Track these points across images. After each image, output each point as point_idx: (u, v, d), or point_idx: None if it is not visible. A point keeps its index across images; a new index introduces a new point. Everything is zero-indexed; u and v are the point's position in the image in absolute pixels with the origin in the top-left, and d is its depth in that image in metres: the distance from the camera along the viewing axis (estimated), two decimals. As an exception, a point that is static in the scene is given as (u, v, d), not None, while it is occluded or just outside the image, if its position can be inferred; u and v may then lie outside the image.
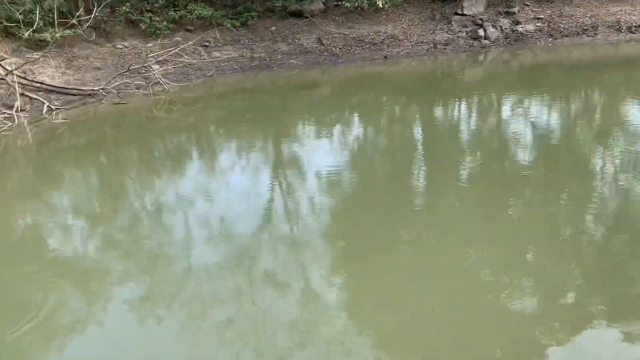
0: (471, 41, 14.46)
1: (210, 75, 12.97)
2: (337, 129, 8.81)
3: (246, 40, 15.25)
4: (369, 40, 14.81)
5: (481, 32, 14.48)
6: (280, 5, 16.24)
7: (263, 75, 13.47)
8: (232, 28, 15.46)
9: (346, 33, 15.21)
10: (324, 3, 16.27)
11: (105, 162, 7.89)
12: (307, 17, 15.76)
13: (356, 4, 15.17)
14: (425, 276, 4.14)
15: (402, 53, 14.13)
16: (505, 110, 9.29)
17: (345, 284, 4.19)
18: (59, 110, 10.22)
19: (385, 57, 13.92)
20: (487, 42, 14.36)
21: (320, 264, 4.47)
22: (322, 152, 7.57)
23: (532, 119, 8.38)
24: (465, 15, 15.06)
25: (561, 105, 9.43)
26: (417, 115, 9.46)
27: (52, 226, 5.72)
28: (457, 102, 10.09)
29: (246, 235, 5.02)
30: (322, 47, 14.66)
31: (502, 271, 4.14)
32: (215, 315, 3.83)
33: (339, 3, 16.00)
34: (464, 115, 9.18)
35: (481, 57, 13.83)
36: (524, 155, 6.81)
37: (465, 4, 15.16)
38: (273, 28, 15.89)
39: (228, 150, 8.23)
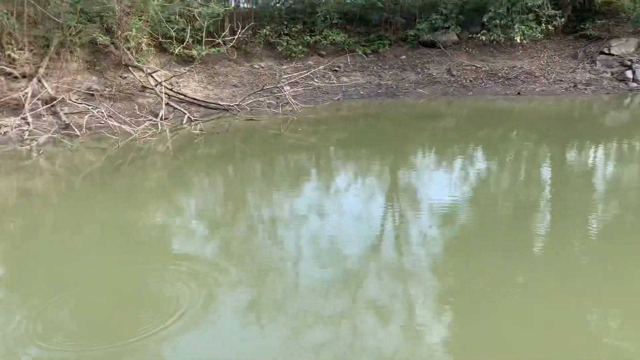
0: (616, 83, 13.39)
1: (337, 99, 13.31)
2: (458, 162, 8.56)
3: (375, 68, 15.47)
4: (502, 74, 14.32)
5: (629, 74, 13.35)
6: (413, 34, 16.32)
7: (388, 103, 13.54)
8: (362, 55, 15.79)
9: (478, 65, 14.84)
10: (457, 35, 16.06)
11: (231, 173, 8.36)
12: (439, 48, 15.65)
13: (492, 38, 14.78)
14: (535, 327, 3.84)
15: (537, 90, 13.45)
16: (651, 160, 8.44)
17: (449, 323, 3.99)
18: (198, 122, 11.06)
19: (519, 93, 13.34)
20: (635, 84, 13.20)
21: (426, 298, 4.30)
22: (440, 184, 7.37)
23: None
24: (613, 55, 14.02)
25: None
26: (547, 156, 8.90)
27: (176, 227, 6.15)
28: (594, 146, 9.36)
29: (354, 259, 5.00)
30: (452, 78, 14.43)
31: (624, 336, 3.72)
32: (314, 333, 3.84)
33: (474, 36, 15.70)
34: (600, 161, 8.48)
35: (627, 100, 12.73)
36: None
37: (613, 44, 14.13)
38: (403, 57, 15.97)
39: (345, 173, 8.33)
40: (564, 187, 7.28)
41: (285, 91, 12.49)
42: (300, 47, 15.58)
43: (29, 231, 6.10)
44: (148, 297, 4.52)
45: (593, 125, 11.12)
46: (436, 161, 8.79)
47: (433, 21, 15.95)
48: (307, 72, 13.90)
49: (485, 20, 14.97)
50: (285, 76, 14.16)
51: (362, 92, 14.01)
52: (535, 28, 14.39)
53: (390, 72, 15.08)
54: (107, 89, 11.90)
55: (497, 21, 14.60)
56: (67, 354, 3.77)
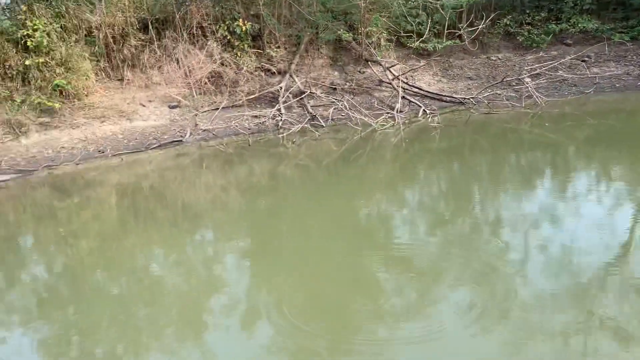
0: None
1: (588, 92, 11.98)
2: None
3: (635, 57, 13.51)
4: None
5: None
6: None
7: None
8: (618, 42, 13.92)
9: None
10: None
11: (459, 169, 8.12)
12: None
13: None
14: None
15: None
16: None
17: None
18: (434, 114, 11.01)
19: None
20: None
21: None
22: None
23: None
24: None
25: None
26: None
27: (396, 218, 6.16)
28: None
29: (588, 271, 4.43)
30: None
31: None
32: (537, 346, 3.53)
33: None
34: None
35: None
36: None
37: None
38: (672, 44, 13.64)
39: (586, 176, 7.44)
40: None
41: (526, 83, 11.67)
42: (542, 36, 14.39)
43: (273, 209, 6.67)
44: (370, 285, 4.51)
45: None
46: None
47: None
48: (552, 63, 12.78)
49: None
50: (527, 68, 13.25)
51: (617, 85, 12.37)
52: None
53: (655, 62, 13.01)
54: (347, 84, 12.57)
55: None
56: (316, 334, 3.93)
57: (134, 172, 8.49)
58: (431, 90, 12.42)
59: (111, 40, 10.67)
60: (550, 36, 14.41)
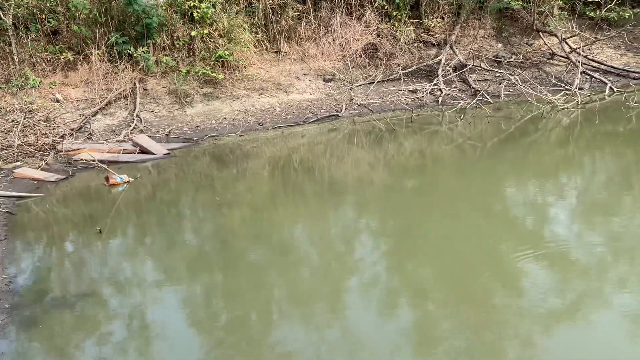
0: None
1: None
2: None
3: None
4: None
5: None
6: None
7: None
8: None
9: None
10: None
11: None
12: None
13: None
14: None
15: None
16: None
17: None
18: (629, 93, 9.53)
19: None
20: None
21: None
22: None
23: None
24: None
25: None
26: None
27: (557, 210, 5.50)
28: None
29: None
30: None
31: None
32: None
33: None
34: None
35: None
36: None
37: None
38: None
39: None
40: None
41: None
42: None
43: (424, 190, 6.25)
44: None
45: None
46: None
47: None
48: None
49: None
50: None
51: None
52: None
53: None
54: (513, 57, 11.37)
55: None
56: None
57: (289, 145, 8.29)
58: (615, 65, 10.81)
59: (270, 11, 10.54)
60: None
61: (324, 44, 10.84)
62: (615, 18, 11.77)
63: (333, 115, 9.38)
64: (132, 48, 9.05)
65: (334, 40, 10.94)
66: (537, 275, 4.17)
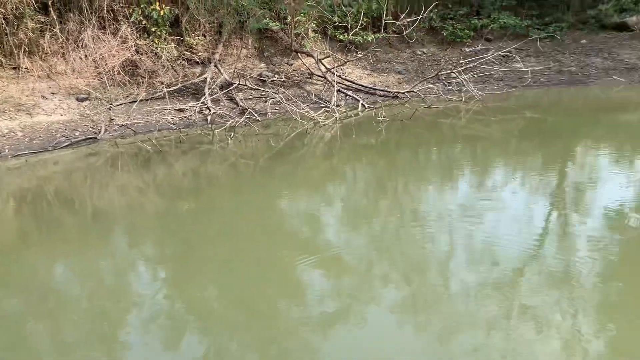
0: None
1: (515, 87, 12.09)
2: (628, 161, 7.26)
3: (552, 53, 13.95)
4: None
5: None
6: (594, 16, 14.54)
7: (569, 92, 12.08)
8: (536, 39, 14.32)
9: (684, 50, 12.79)
10: (651, 15, 14.01)
11: (405, 164, 7.73)
12: (631, 30, 13.75)
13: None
14: None
15: None
16: None
17: (611, 337, 3.52)
18: (377, 108, 10.52)
19: None
20: None
21: (587, 309, 3.80)
22: (612, 187, 6.22)
23: None
24: None
25: None
26: None
27: (332, 218, 5.78)
28: None
29: (509, 262, 4.43)
30: (651, 65, 12.56)
31: None
32: (464, 338, 3.53)
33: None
34: None
35: None
36: None
37: None
38: (583, 41, 14.27)
39: (503, 168, 7.38)
40: None
41: (461, 77, 11.53)
42: (466, 31, 14.48)
43: (199, 213, 5.96)
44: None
45: None
46: (608, 160, 7.53)
47: (621, 1, 14.06)
48: (476, 58, 12.79)
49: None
50: (450, 63, 13.20)
51: (542, 79, 12.64)
52: None
53: (572, 58, 13.49)
54: (276, 76, 11.75)
55: None
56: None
57: (39, 175, 7.12)
58: (364, 84, 11.94)
59: (2, 21, 9.03)
60: (472, 31, 14.54)
61: (75, 60, 9.71)
62: (361, 41, 13.07)
63: (91, 138, 8.39)
64: None
65: (86, 56, 9.88)
66: (316, 281, 4.34)
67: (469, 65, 12.31)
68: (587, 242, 4.81)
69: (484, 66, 12.63)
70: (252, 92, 10.92)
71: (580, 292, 4.00)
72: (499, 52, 13.06)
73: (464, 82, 11.34)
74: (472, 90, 11.10)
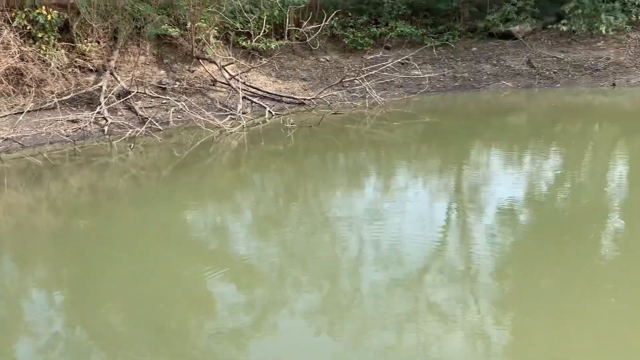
0: None
1: (414, 93, 12.58)
2: (517, 160, 7.86)
3: (446, 60, 14.69)
4: (588, 65, 13.42)
5: None
6: (483, 26, 15.52)
7: (463, 96, 12.78)
8: (431, 47, 15.02)
9: (559, 57, 13.96)
10: (531, 26, 15.18)
11: (317, 170, 7.78)
12: (513, 39, 14.80)
13: (573, 28, 13.86)
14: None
15: (633, 81, 12.54)
16: None
17: (513, 327, 3.71)
18: (285, 115, 10.48)
19: (614, 84, 12.46)
20: None
21: (489, 302, 3.99)
22: (504, 184, 6.71)
23: None
24: None
25: None
26: (617, 152, 8.12)
27: (241, 228, 5.69)
28: None
29: (415, 262, 4.60)
30: (533, 70, 13.58)
31: None
32: (376, 338, 3.57)
33: (550, 26, 14.81)
34: None
35: None
36: None
37: None
38: (474, 48, 15.16)
39: (406, 171, 7.71)
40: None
41: (364, 84, 11.80)
42: (366, 39, 14.88)
43: (98, 230, 5.59)
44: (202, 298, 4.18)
45: None
46: (496, 159, 8.13)
47: (506, 12, 15.11)
48: (377, 66, 13.18)
49: (566, 10, 14.04)
50: (353, 70, 13.51)
51: (438, 85, 13.25)
52: (623, 19, 13.45)
53: (464, 65, 14.28)
54: (177, 83, 11.38)
55: (580, 11, 13.68)
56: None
57: None
58: (270, 91, 11.88)
59: None
60: (372, 39, 14.97)
61: (-52, 68, 8.80)
62: (264, 48, 13.01)
63: (-30, 153, 7.64)
64: None
65: (-38, 63, 8.99)
66: (228, 294, 4.22)
67: (370, 73, 12.63)
68: (485, 237, 5.08)
69: (385, 73, 13.03)
70: (152, 100, 10.49)
71: (480, 286, 4.20)
72: (398, 60, 13.52)
73: (367, 89, 11.61)
74: (375, 97, 11.40)
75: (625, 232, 5.15)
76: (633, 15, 13.73)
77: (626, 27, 13.71)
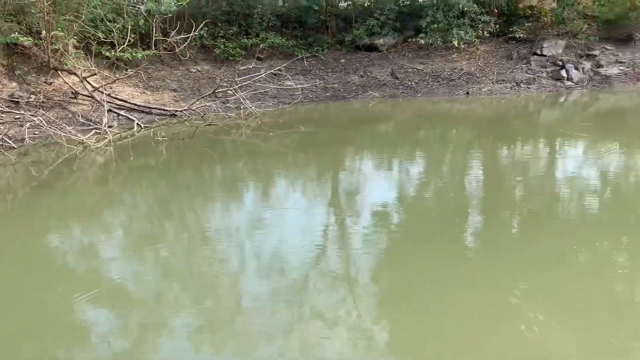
0: (554, 81, 14.10)
1: (288, 103, 12.75)
2: (387, 164, 8.44)
3: (317, 71, 15.12)
4: (445, 76, 14.55)
5: (563, 73, 14.12)
6: (350, 39, 16.20)
7: (335, 106, 13.23)
8: (302, 58, 15.37)
9: (419, 68, 14.98)
10: (394, 39, 16.15)
11: (193, 183, 7.58)
12: (377, 51, 15.63)
13: (430, 41, 14.98)
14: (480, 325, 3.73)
15: (484, 90, 13.80)
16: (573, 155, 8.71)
17: (395, 324, 3.87)
18: (155, 128, 10.03)
19: (468, 93, 13.61)
20: (570, 83, 13.98)
21: (369, 302, 4.17)
22: (377, 187, 7.15)
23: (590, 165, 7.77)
24: (545, 55, 14.76)
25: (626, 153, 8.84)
26: (474, 154, 9.01)
27: (105, 245, 5.40)
28: (524, 143, 9.49)
29: (297, 269, 4.66)
30: (397, 81, 14.42)
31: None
32: (264, 350, 3.57)
33: (410, 40, 15.88)
34: (525, 157, 8.59)
35: (562, 99, 13.40)
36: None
37: (545, 45, 14.89)
38: (342, 60, 15.77)
39: (284, 180, 7.86)
40: (491, 183, 7.33)
41: (238, 95, 11.71)
42: (237, 50, 14.85)
43: None
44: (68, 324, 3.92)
45: (525, 124, 11.36)
46: (371, 165, 8.59)
47: (370, 26, 15.92)
48: (251, 76, 13.19)
49: (423, 24, 15.15)
50: (225, 80, 13.38)
51: (310, 96, 13.58)
52: (471, 33, 14.80)
53: (334, 76, 14.79)
54: (32, 96, 10.46)
55: (435, 25, 14.83)
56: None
57: None
58: (138, 103, 11.34)
59: None
60: (244, 50, 14.97)
61: None
62: (130, 58, 12.43)
63: None
64: None
65: None
66: (99, 318, 3.96)
67: (244, 83, 12.60)
68: (362, 239, 5.24)
69: (258, 84, 13.08)
70: (3, 115, 9.52)
71: (360, 287, 4.32)
72: (271, 71, 13.65)
73: (241, 100, 11.56)
74: (250, 107, 11.38)
75: (486, 226, 5.61)
76: (480, 31, 15.18)
77: (475, 41, 15.11)
